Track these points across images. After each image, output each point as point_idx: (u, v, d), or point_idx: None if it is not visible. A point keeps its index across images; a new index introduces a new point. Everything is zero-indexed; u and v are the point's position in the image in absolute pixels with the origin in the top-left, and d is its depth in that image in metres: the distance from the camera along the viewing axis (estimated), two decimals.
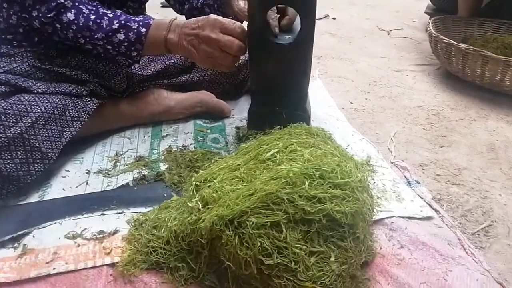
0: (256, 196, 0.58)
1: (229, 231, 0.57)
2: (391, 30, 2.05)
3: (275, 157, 0.67)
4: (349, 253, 0.60)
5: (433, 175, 0.99)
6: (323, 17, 2.20)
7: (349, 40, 1.90)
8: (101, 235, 0.73)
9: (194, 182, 0.68)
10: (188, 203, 0.66)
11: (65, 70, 0.93)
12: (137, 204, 0.81)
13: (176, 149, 0.98)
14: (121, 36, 0.86)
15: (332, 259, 0.58)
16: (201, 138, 1.03)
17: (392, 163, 1.00)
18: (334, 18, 2.21)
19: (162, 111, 1.08)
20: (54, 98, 0.87)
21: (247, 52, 0.88)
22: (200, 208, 0.63)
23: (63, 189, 0.85)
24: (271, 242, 0.56)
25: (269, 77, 0.88)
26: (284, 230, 0.57)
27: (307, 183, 0.58)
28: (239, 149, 0.76)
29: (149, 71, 1.07)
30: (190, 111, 1.10)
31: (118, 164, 0.94)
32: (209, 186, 0.65)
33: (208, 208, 0.62)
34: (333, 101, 1.27)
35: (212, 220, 0.59)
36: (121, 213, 0.79)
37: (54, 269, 0.67)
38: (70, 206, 0.79)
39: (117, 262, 0.69)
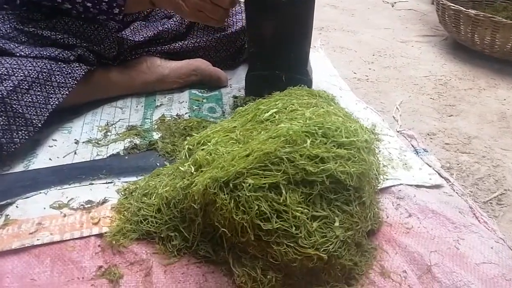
0: (253, 156, 0.53)
1: (224, 194, 0.53)
2: (395, 2, 1.97)
3: (274, 117, 0.62)
4: (355, 219, 0.55)
5: (441, 144, 0.93)
6: None
7: (351, 12, 1.83)
8: (89, 205, 0.69)
9: (187, 146, 0.63)
10: (180, 168, 0.61)
11: (50, 34, 0.87)
12: (128, 173, 0.76)
13: (170, 118, 0.93)
14: None
15: (337, 224, 0.53)
16: (196, 108, 0.98)
17: (398, 131, 0.95)
18: None
19: (155, 80, 1.03)
20: (39, 62, 0.82)
21: (244, 18, 0.83)
22: (192, 171, 0.58)
23: (50, 159, 0.80)
24: (270, 205, 0.51)
25: (268, 38, 0.82)
26: (283, 192, 0.52)
27: (308, 141, 0.53)
28: (236, 112, 0.71)
29: (141, 36, 1.01)
30: (185, 80, 1.05)
31: (108, 134, 0.88)
32: (202, 149, 0.60)
33: (201, 171, 0.57)
34: (335, 71, 1.21)
35: (206, 183, 0.54)
36: (111, 182, 0.75)
37: (38, 240, 0.62)
38: (56, 176, 0.75)
39: (105, 232, 0.64)
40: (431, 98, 1.13)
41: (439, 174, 0.80)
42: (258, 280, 0.55)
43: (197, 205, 0.56)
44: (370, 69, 1.28)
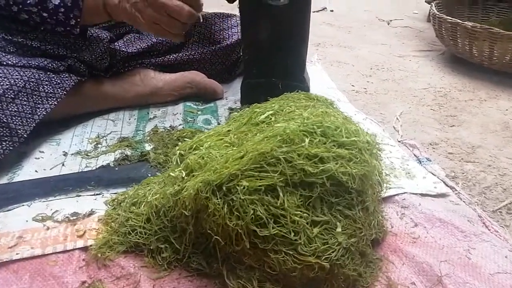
0: (247, 157, 0.50)
1: (217, 199, 0.49)
2: (391, 21, 1.98)
3: (270, 119, 0.58)
4: (358, 224, 0.51)
5: (444, 153, 0.90)
6: (321, 10, 2.14)
7: (348, 30, 1.83)
8: (74, 217, 0.65)
9: (178, 152, 0.60)
10: (171, 174, 0.57)
11: (39, 44, 0.85)
12: (117, 185, 0.72)
13: (163, 130, 0.90)
14: (56, 0, 0.80)
15: (339, 229, 0.49)
16: (190, 119, 0.95)
17: (399, 141, 0.92)
18: (332, 11, 2.14)
19: (149, 92, 1.00)
20: (26, 71, 0.79)
21: (239, 30, 0.81)
22: (184, 176, 0.54)
23: (36, 171, 0.76)
24: (266, 210, 0.48)
25: (263, 44, 0.80)
26: (281, 195, 0.48)
27: (307, 140, 0.50)
28: (230, 117, 0.67)
29: (134, 48, 0.99)
30: (180, 92, 1.02)
31: (99, 146, 0.85)
32: (194, 154, 0.57)
33: (193, 176, 0.54)
34: (333, 83, 1.19)
35: (197, 187, 0.50)
36: (99, 194, 0.71)
37: (17, 254, 0.58)
38: (41, 188, 0.71)
39: (90, 245, 0.60)
40: (431, 109, 1.10)
41: (444, 182, 0.76)
42: None
43: (188, 211, 0.52)
44: (368, 82, 1.26)
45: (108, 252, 0.58)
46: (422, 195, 0.72)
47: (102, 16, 0.84)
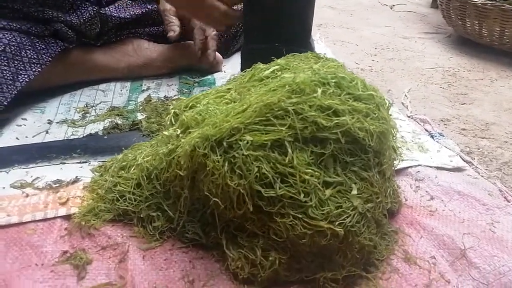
0: (251, 109, 0.44)
1: (216, 156, 0.43)
2: (393, 5, 1.92)
3: (276, 74, 0.52)
4: (375, 189, 0.46)
5: (457, 130, 0.85)
6: None
7: (350, 13, 1.77)
8: (57, 185, 0.58)
9: (173, 110, 0.54)
10: (164, 133, 0.51)
11: (22, 6, 0.78)
12: (106, 153, 0.66)
13: (157, 100, 0.84)
14: None
15: (354, 192, 0.43)
16: (186, 91, 0.89)
17: (409, 117, 0.86)
18: None
19: (142, 63, 0.94)
20: (6, 34, 0.73)
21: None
22: (179, 134, 0.48)
23: (17, 138, 0.70)
24: (272, 168, 0.42)
25: (267, 6, 0.73)
26: (289, 151, 0.42)
27: (319, 90, 0.44)
28: (231, 79, 0.61)
29: (127, 14, 0.92)
30: (175, 64, 0.96)
31: (87, 115, 0.79)
32: (191, 111, 0.51)
33: (189, 133, 0.48)
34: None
35: (193, 142, 0.44)
36: (86, 162, 0.64)
37: None
38: (21, 154, 0.64)
39: (74, 213, 0.53)
40: (440, 87, 1.04)
41: (460, 157, 0.71)
42: (257, 263, 0.44)
43: (183, 171, 0.46)
44: (373, 60, 1.21)
45: (93, 220, 0.52)
46: (438, 168, 0.67)
47: None
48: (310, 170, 0.42)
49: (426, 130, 0.81)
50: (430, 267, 0.49)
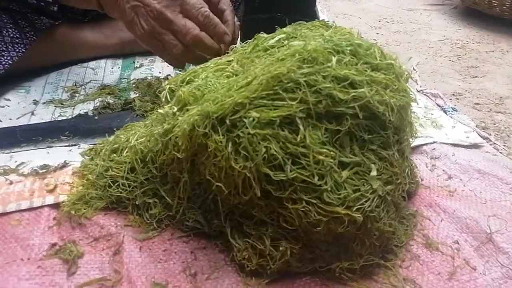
0: (257, 81, 0.38)
1: (219, 135, 0.38)
2: None
3: (283, 43, 0.47)
4: (395, 169, 0.41)
5: (470, 104, 0.80)
6: None
7: None
8: (44, 170, 0.53)
9: (168, 86, 0.49)
10: (159, 110, 0.46)
11: None
12: (97, 135, 0.61)
13: (151, 78, 0.78)
14: None
15: (374, 173, 0.39)
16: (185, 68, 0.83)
17: (419, 91, 0.81)
18: None
19: (134, 39, 0.87)
20: None
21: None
22: (175, 111, 0.43)
23: (0, 121, 0.64)
24: (282, 148, 0.37)
25: None
26: (301, 128, 0.37)
27: (334, 59, 0.38)
28: (231, 50, 0.56)
29: None
30: None
31: (76, 95, 0.73)
32: (189, 86, 0.46)
33: (187, 110, 0.43)
34: None
35: (192, 121, 0.39)
36: (75, 145, 0.59)
37: None
38: (4, 138, 0.59)
39: (63, 201, 0.49)
40: (450, 60, 0.99)
41: (477, 133, 0.66)
42: (266, 254, 0.40)
43: (181, 154, 0.41)
44: (378, 34, 1.15)
45: (84, 209, 0.48)
46: (454, 145, 0.62)
47: (91, 4, 0.67)
48: (325, 150, 0.37)
49: (438, 105, 0.76)
50: (454, 253, 0.45)
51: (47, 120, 0.65)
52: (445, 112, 0.73)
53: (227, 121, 0.38)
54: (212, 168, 0.39)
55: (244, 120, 0.37)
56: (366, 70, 0.40)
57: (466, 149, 0.62)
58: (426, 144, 0.62)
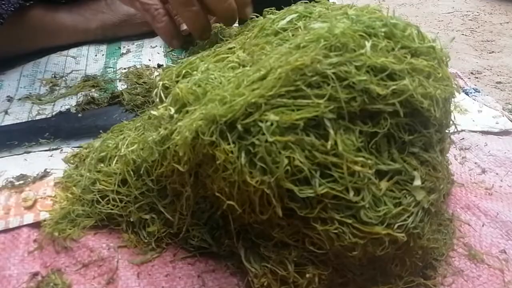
0: (273, 75, 0.31)
1: (229, 144, 0.31)
2: None
3: (295, 25, 0.39)
4: (439, 173, 0.35)
5: (492, 83, 0.74)
6: None
7: None
8: (20, 181, 0.46)
9: (161, 83, 0.41)
10: (153, 112, 0.39)
11: None
12: (81, 136, 0.53)
13: (140, 66, 0.70)
14: None
15: (417, 183, 0.32)
16: (175, 55, 0.75)
17: None
18: None
19: (118, 21, 0.79)
20: None
21: None
22: (172, 114, 0.36)
23: None
24: (309, 157, 0.30)
25: None
26: (331, 132, 0.30)
27: (368, 44, 0.31)
28: (229, 34, 0.48)
29: None
30: None
31: (56, 88, 0.65)
32: (187, 82, 0.38)
33: (187, 112, 0.35)
34: None
35: (195, 127, 0.32)
36: (57, 149, 0.52)
37: None
38: None
39: (44, 220, 0.42)
40: (463, 34, 0.92)
41: (506, 116, 0.60)
42: (290, 281, 0.34)
43: (183, 166, 0.34)
44: (382, 7, 1.06)
45: (70, 229, 0.41)
46: (483, 132, 0.56)
47: None
48: (361, 159, 0.30)
49: (459, 86, 0.69)
50: (502, 265, 0.39)
51: (24, 120, 0.57)
52: (467, 93, 0.67)
53: (239, 127, 0.31)
54: (221, 183, 0.32)
55: (260, 124, 0.30)
56: (405, 57, 0.33)
57: (498, 137, 0.55)
58: (453, 133, 0.55)
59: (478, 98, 0.65)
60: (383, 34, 0.33)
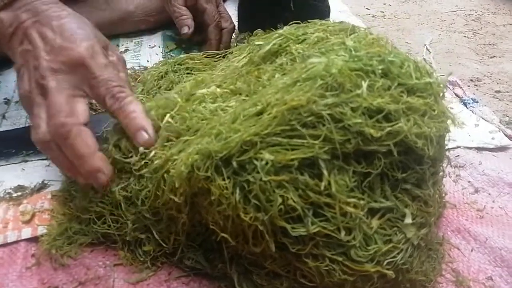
0: (269, 113, 0.31)
1: (224, 179, 0.31)
2: None
3: (286, 48, 0.39)
4: (430, 208, 0.35)
5: (491, 92, 0.73)
6: None
7: None
8: (18, 193, 0.47)
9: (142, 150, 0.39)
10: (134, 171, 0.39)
11: None
12: None
13: (138, 68, 0.70)
14: None
15: (408, 221, 0.33)
16: (174, 55, 0.74)
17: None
18: None
19: (117, 18, 0.78)
20: None
21: None
22: (164, 145, 0.36)
23: None
24: (302, 196, 0.30)
25: None
26: (325, 173, 0.30)
27: (364, 85, 0.31)
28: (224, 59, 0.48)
29: None
30: (157, 17, 0.80)
31: None
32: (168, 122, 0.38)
33: (180, 141, 0.35)
34: (345, 6, 0.97)
35: (192, 161, 0.32)
36: None
37: None
38: None
39: (42, 236, 0.42)
40: (465, 36, 0.91)
41: (502, 131, 0.60)
42: None
43: (179, 198, 0.34)
44: (385, 4, 1.05)
45: (67, 246, 0.41)
46: (479, 149, 0.56)
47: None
48: (353, 200, 0.31)
49: (457, 96, 0.69)
50: None
51: (21, 126, 0.57)
52: (465, 104, 0.67)
53: (234, 163, 0.31)
54: (216, 216, 0.33)
55: (255, 162, 0.31)
56: (402, 95, 0.33)
57: (493, 153, 0.56)
58: (448, 149, 0.55)
59: (476, 109, 0.65)
60: (380, 71, 0.32)
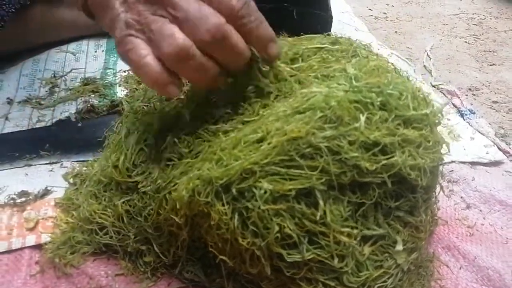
0: (269, 143, 0.32)
1: (223, 205, 0.32)
2: None
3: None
4: (421, 234, 0.37)
5: (488, 102, 0.74)
6: None
7: None
8: (22, 199, 0.48)
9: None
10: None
11: None
12: (81, 148, 0.55)
13: None
14: None
15: (399, 248, 0.34)
16: None
17: (433, 86, 0.75)
18: None
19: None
20: None
21: None
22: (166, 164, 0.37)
23: None
24: (298, 224, 0.32)
25: None
26: (321, 203, 0.32)
27: (362, 118, 0.32)
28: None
29: None
30: None
31: (56, 89, 0.65)
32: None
33: (182, 163, 0.36)
34: (348, 6, 0.97)
35: (192, 186, 0.33)
36: (57, 162, 0.53)
37: None
38: None
39: (46, 244, 0.44)
40: (465, 41, 0.91)
41: (496, 146, 0.61)
42: None
43: (180, 218, 0.35)
44: (387, 5, 1.05)
45: (70, 255, 0.43)
46: (473, 164, 0.58)
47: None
48: (347, 230, 0.32)
49: (455, 106, 0.70)
50: None
51: (24, 128, 0.58)
52: (462, 116, 0.68)
53: (233, 190, 0.32)
54: (215, 238, 0.34)
55: (254, 190, 0.32)
56: (398, 128, 0.34)
57: (486, 169, 0.57)
58: (443, 163, 0.56)
59: (473, 121, 0.66)
60: (378, 103, 0.33)
